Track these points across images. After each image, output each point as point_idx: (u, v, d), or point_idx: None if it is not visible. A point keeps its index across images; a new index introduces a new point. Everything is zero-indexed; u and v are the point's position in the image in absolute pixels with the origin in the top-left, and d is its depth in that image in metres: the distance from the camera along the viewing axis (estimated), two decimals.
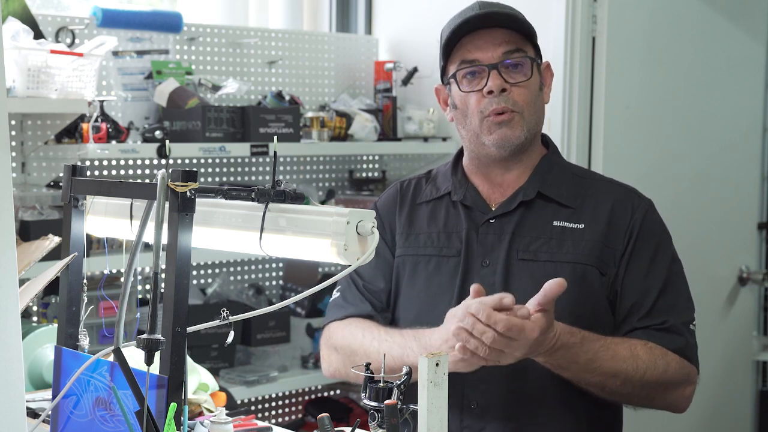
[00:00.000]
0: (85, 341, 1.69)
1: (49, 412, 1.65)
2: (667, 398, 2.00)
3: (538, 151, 2.13)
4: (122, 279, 1.51)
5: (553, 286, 1.80)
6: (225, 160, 3.63)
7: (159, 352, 1.42)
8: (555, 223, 2.04)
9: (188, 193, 1.44)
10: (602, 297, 2.02)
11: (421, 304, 2.07)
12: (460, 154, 2.19)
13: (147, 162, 3.41)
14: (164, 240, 1.44)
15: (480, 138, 2.04)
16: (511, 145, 2.03)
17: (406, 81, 3.82)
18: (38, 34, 2.98)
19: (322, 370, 2.21)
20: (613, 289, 2.02)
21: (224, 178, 3.63)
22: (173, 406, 1.41)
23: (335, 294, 2.20)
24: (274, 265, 3.79)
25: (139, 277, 3.25)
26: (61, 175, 1.74)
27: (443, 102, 2.15)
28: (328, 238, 1.45)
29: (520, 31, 2.03)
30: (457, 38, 2.03)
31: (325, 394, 3.90)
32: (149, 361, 1.41)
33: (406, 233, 2.14)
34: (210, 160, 3.59)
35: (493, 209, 2.08)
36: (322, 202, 3.72)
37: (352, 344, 2.07)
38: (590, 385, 1.97)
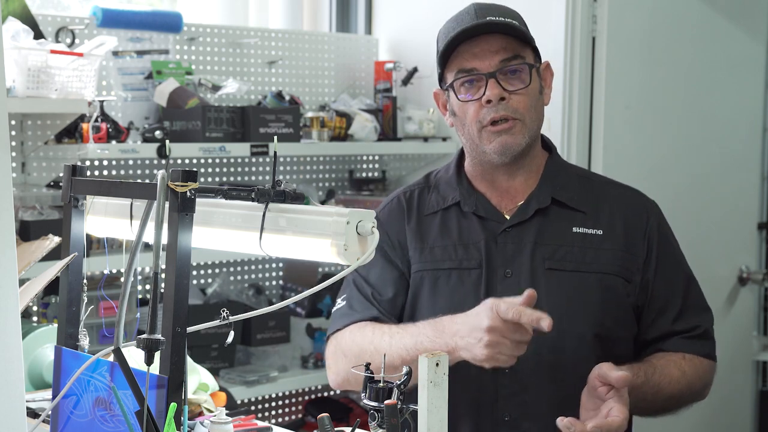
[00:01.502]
0: (85, 341, 1.69)
1: (49, 412, 1.65)
2: (701, 395, 2.09)
3: (541, 154, 2.11)
4: (122, 279, 1.51)
5: (622, 382, 1.80)
6: (225, 160, 3.63)
7: (159, 352, 1.42)
8: (575, 229, 2.03)
9: (188, 193, 1.44)
10: (627, 306, 2.02)
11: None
12: (460, 158, 2.15)
13: (147, 162, 3.41)
14: (164, 240, 1.44)
15: (480, 147, 2.02)
16: (513, 151, 2.01)
17: (406, 81, 3.82)
18: (38, 34, 2.98)
19: (329, 382, 2.17)
20: (641, 295, 2.03)
21: (224, 178, 3.63)
22: (173, 406, 1.41)
23: (339, 303, 2.13)
24: (274, 265, 3.79)
25: (139, 277, 3.25)
26: (61, 175, 1.74)
27: (442, 106, 2.12)
28: (328, 238, 1.45)
29: (518, 36, 2.00)
30: (454, 46, 2.00)
31: (325, 394, 3.90)
32: (149, 361, 1.41)
33: (420, 248, 2.09)
34: (210, 160, 3.59)
35: (508, 217, 2.05)
36: (322, 202, 3.72)
37: (361, 344, 2.02)
38: (648, 412, 2.02)
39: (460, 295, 2.03)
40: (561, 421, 1.76)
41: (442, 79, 2.07)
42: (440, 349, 1.86)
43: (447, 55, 2.02)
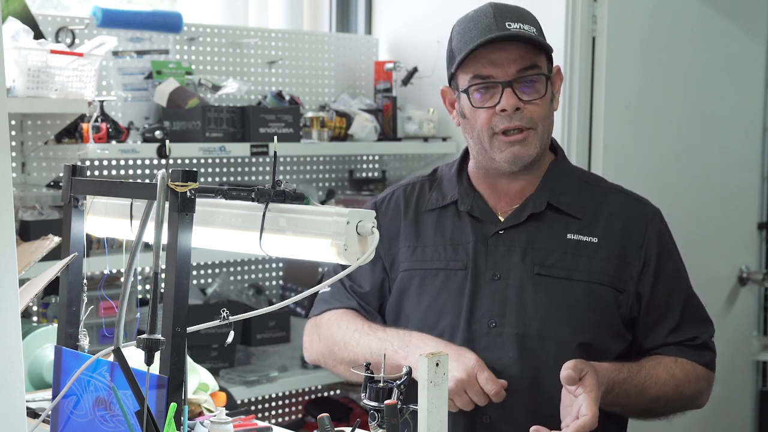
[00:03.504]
0: (85, 341, 1.69)
1: (49, 412, 1.65)
2: (696, 403, 2.07)
3: (546, 158, 2.10)
4: (122, 279, 1.51)
5: (566, 381, 1.80)
6: (225, 160, 3.63)
7: (159, 352, 1.42)
8: (569, 236, 2.01)
9: (188, 193, 1.44)
10: (616, 316, 2.00)
11: (427, 317, 2.04)
12: (465, 156, 2.14)
13: (147, 162, 3.41)
14: (164, 240, 1.44)
15: (489, 153, 2.00)
16: (523, 162, 2.00)
17: (406, 81, 3.82)
18: (38, 34, 2.98)
19: (305, 357, 2.25)
20: (635, 305, 2.01)
21: (224, 178, 3.63)
22: (173, 406, 1.41)
23: (325, 289, 2.18)
24: (274, 265, 3.79)
25: (139, 277, 3.25)
26: (61, 175, 1.74)
27: (449, 104, 2.09)
28: (328, 238, 1.45)
29: (536, 45, 1.97)
30: (471, 50, 1.96)
31: (325, 394, 3.90)
32: (149, 361, 1.41)
33: (413, 246, 2.09)
34: (210, 160, 3.59)
35: (502, 220, 2.04)
36: (322, 202, 3.72)
37: (335, 334, 2.09)
38: (635, 413, 2.01)
39: (444, 296, 2.03)
40: None
41: (453, 77, 2.04)
42: (399, 360, 1.92)
43: (463, 58, 1.98)
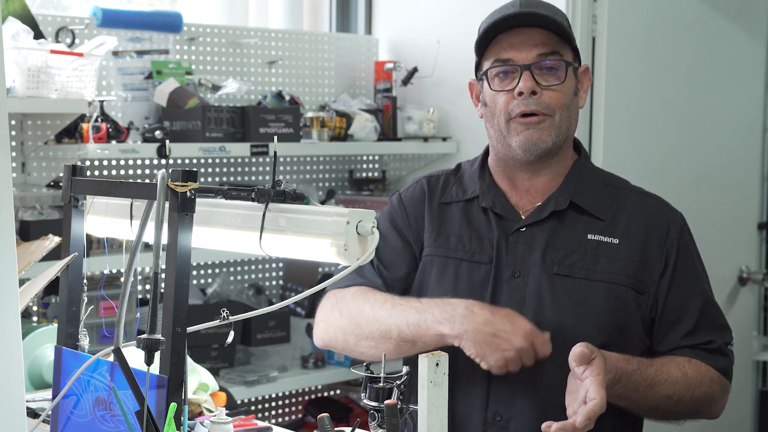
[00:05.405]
0: (85, 341, 1.69)
1: (49, 412, 1.65)
2: (711, 410, 2.03)
3: (569, 157, 2.08)
4: (122, 279, 1.51)
5: (578, 358, 1.79)
6: (225, 160, 3.63)
7: (159, 352, 1.42)
8: (589, 236, 2.00)
9: (188, 193, 1.44)
10: (636, 318, 1.99)
11: None
12: (487, 151, 2.13)
13: (147, 162, 3.41)
14: (164, 240, 1.44)
15: (506, 139, 1.99)
16: (538, 149, 1.98)
17: (406, 81, 3.82)
18: (38, 34, 2.98)
19: (314, 338, 2.12)
20: (654, 307, 2.00)
21: (224, 178, 3.63)
22: (173, 406, 1.42)
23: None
24: (274, 265, 3.79)
25: (139, 277, 3.25)
26: (61, 175, 1.74)
27: (475, 98, 2.09)
28: (328, 238, 1.45)
29: (558, 32, 1.97)
30: (494, 34, 1.98)
31: (325, 394, 3.90)
32: (149, 361, 1.41)
33: (436, 232, 2.08)
34: (210, 160, 3.59)
35: (523, 217, 2.03)
36: (322, 202, 3.72)
37: (362, 308, 2.00)
38: (645, 410, 1.97)
39: (465, 287, 2.01)
40: (548, 428, 1.74)
41: (478, 68, 2.05)
42: (444, 330, 1.87)
43: (485, 44, 1.99)
